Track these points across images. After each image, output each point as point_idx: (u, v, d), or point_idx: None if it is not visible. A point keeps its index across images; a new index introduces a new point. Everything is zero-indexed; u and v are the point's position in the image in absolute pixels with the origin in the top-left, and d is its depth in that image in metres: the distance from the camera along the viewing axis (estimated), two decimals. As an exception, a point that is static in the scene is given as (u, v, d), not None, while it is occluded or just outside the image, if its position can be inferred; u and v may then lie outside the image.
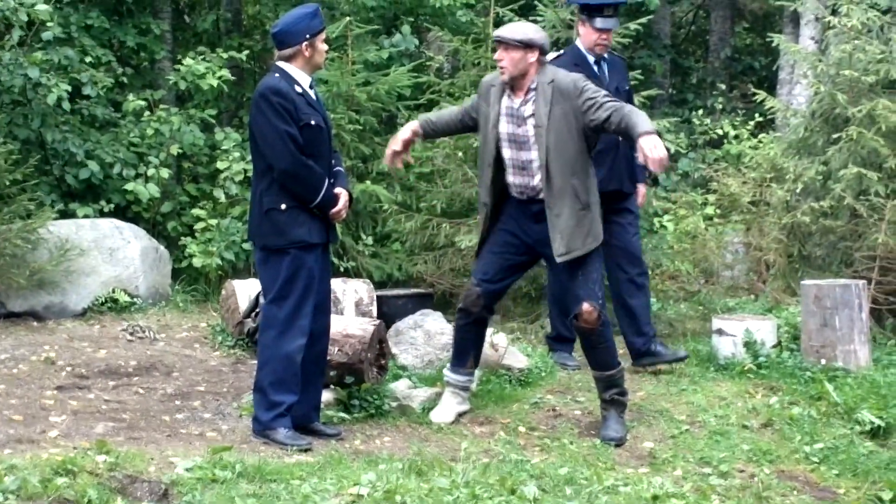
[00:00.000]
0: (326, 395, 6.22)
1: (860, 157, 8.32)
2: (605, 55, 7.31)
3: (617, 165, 7.20)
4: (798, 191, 8.75)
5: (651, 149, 5.52)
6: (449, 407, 6.30)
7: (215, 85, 10.09)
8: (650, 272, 8.26)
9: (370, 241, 9.48)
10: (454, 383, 6.34)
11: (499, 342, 7.13)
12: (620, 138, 6.82)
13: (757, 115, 11.61)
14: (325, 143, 5.78)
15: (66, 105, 9.40)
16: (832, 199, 8.38)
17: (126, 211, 9.96)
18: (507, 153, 6.04)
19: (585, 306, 5.93)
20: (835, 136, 8.48)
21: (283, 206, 5.61)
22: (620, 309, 7.40)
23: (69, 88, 9.38)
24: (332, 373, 6.19)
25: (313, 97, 5.75)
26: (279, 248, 5.63)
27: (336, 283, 7.86)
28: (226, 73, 10.28)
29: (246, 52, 10.88)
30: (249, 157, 7.16)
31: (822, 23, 10.03)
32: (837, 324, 7.22)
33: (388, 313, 7.82)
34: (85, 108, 10.06)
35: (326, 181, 5.69)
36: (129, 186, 9.68)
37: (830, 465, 5.87)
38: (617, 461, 5.72)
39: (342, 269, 9.02)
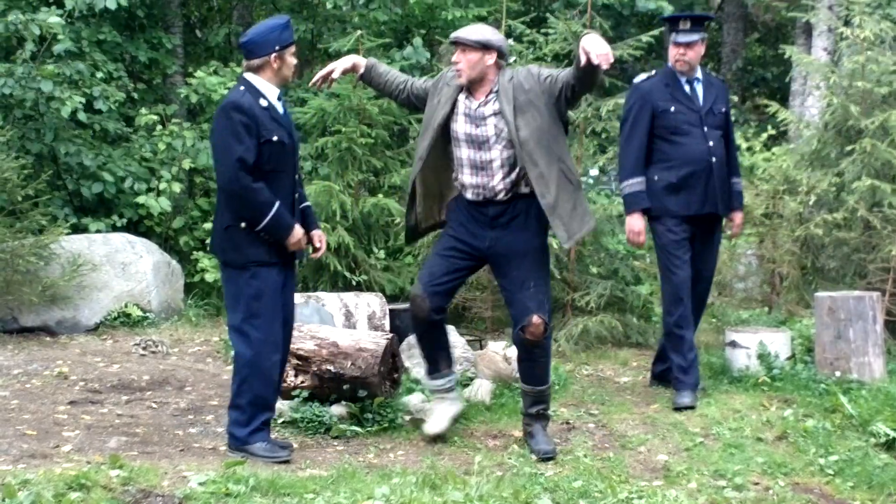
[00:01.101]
0: (339, 409, 6.21)
1: (873, 169, 8.30)
2: (700, 75, 7.07)
3: (711, 188, 6.95)
4: (811, 203, 8.74)
5: (591, 45, 5.36)
6: (440, 414, 6.18)
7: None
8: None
9: (382, 254, 9.48)
10: (436, 389, 6.24)
11: (512, 355, 7.12)
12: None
13: (769, 126, 11.59)
14: (289, 159, 5.64)
15: (83, 115, 9.42)
16: (845, 210, 8.36)
17: (138, 225, 10.00)
18: (463, 153, 5.88)
19: (535, 319, 5.80)
20: (848, 147, 8.46)
21: (243, 225, 5.49)
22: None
23: (83, 100, 9.41)
24: (345, 386, 6.19)
25: (280, 111, 5.61)
26: (239, 265, 5.55)
27: (348, 297, 7.86)
28: (238, 86, 10.30)
29: (258, 66, 10.90)
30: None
31: (835, 34, 10.03)
32: (851, 336, 7.19)
33: (401, 327, 7.80)
34: (97, 122, 10.09)
35: (276, 206, 5.48)
36: (141, 200, 9.72)
37: (845, 478, 5.84)
38: (631, 474, 5.70)
39: (354, 283, 9.02)
